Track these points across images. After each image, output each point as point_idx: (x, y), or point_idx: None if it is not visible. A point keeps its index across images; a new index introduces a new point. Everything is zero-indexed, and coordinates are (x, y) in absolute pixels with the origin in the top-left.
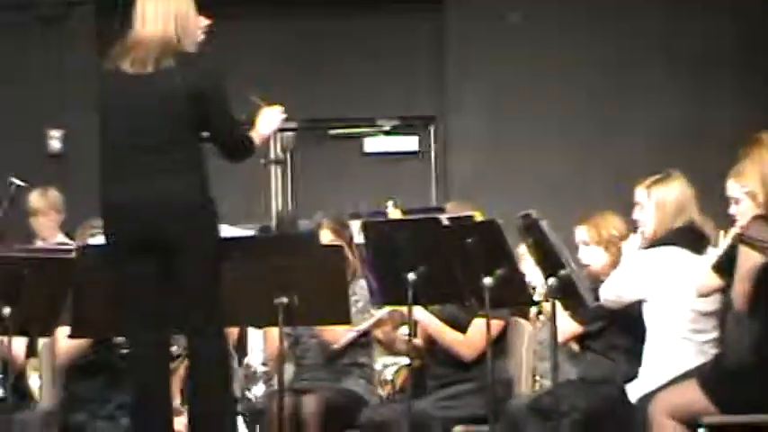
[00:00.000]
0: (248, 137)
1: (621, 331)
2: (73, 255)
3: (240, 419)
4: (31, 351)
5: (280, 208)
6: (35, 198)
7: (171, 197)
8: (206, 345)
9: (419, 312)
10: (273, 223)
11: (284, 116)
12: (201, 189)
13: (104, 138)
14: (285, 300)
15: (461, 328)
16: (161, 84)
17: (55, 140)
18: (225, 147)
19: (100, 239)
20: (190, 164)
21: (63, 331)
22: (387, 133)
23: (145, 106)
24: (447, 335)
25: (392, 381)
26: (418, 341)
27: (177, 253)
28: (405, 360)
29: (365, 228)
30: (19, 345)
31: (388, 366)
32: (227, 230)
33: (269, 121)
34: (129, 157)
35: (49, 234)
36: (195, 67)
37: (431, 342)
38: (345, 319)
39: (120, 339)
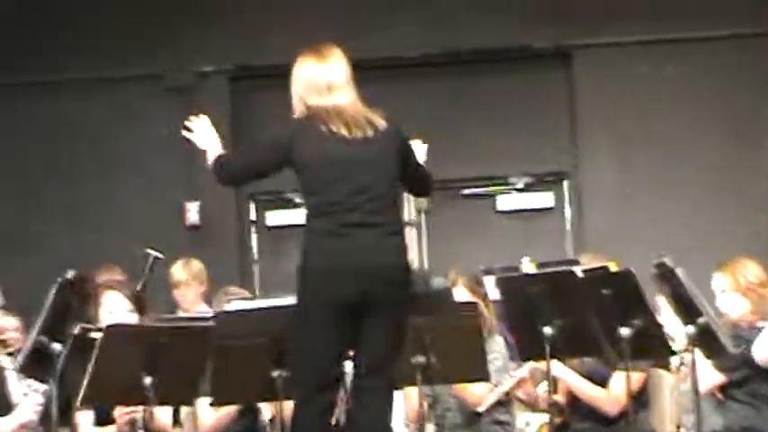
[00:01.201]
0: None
1: (766, 380)
2: (212, 323)
3: None
4: (176, 420)
5: (415, 267)
6: (178, 270)
7: (387, 260)
8: (379, 406)
9: (559, 368)
10: None
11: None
12: (407, 252)
13: (317, 198)
14: (422, 359)
15: (602, 382)
16: (379, 147)
17: (192, 213)
18: (421, 189)
19: (236, 305)
20: (399, 226)
21: (204, 401)
22: (520, 190)
23: (366, 169)
24: (588, 390)
25: None
26: (559, 397)
27: (379, 315)
28: (546, 417)
29: (500, 283)
30: (164, 414)
31: (530, 424)
32: None
33: (418, 153)
34: (342, 220)
35: (192, 305)
36: (396, 127)
37: (572, 397)
38: (484, 376)
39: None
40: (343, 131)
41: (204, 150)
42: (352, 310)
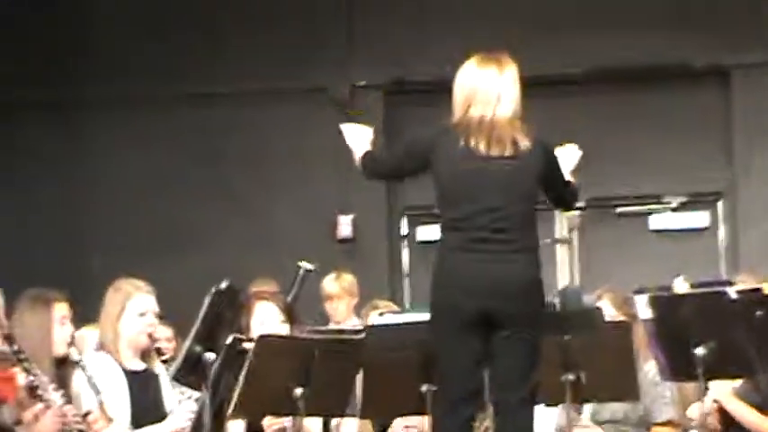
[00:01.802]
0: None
1: None
2: (362, 336)
3: None
4: (326, 430)
5: (565, 284)
6: (330, 283)
7: (514, 275)
8: (519, 422)
9: (718, 391)
10: (557, 300)
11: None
12: (539, 268)
13: (450, 212)
14: (572, 377)
15: (756, 406)
16: (519, 166)
17: (344, 226)
18: (564, 204)
19: (387, 318)
20: (531, 243)
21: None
22: (674, 209)
23: (501, 188)
24: (749, 416)
25: None
26: (713, 420)
27: (509, 330)
28: None
29: (652, 302)
30: (314, 425)
31: None
32: None
33: (571, 159)
34: (475, 235)
35: (343, 318)
36: (543, 146)
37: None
38: (634, 396)
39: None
40: (481, 147)
41: (354, 151)
42: (480, 324)
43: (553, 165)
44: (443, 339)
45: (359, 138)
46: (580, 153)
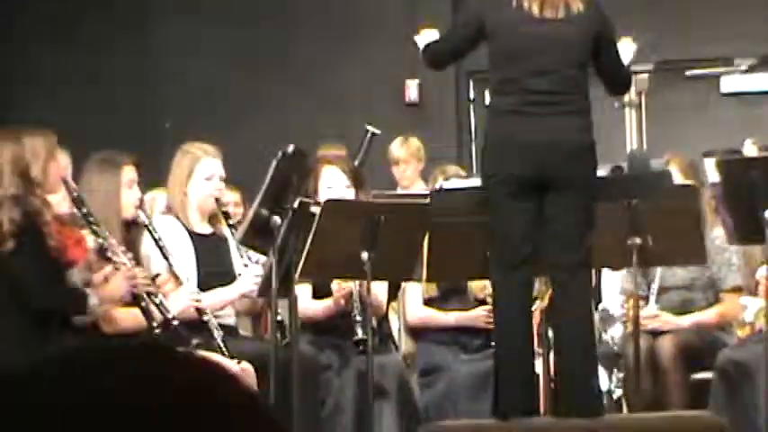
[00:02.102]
0: (629, 71)
1: None
2: (428, 200)
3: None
4: (392, 295)
5: (633, 148)
6: (396, 147)
7: (567, 137)
8: (576, 284)
9: None
10: (625, 164)
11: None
12: (590, 131)
13: (502, 74)
14: (639, 240)
15: None
16: (571, 29)
17: (411, 90)
18: (615, 83)
19: (453, 183)
20: (584, 106)
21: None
22: (744, 72)
23: (554, 50)
24: None
25: (752, 323)
26: None
27: (561, 193)
28: (764, 302)
29: (720, 165)
30: (380, 289)
31: (747, 308)
32: None
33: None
34: (526, 98)
35: (410, 182)
36: (599, 11)
37: None
38: (701, 259)
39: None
40: (534, 9)
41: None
42: (534, 187)
43: (607, 30)
44: (498, 204)
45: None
46: (634, 47)
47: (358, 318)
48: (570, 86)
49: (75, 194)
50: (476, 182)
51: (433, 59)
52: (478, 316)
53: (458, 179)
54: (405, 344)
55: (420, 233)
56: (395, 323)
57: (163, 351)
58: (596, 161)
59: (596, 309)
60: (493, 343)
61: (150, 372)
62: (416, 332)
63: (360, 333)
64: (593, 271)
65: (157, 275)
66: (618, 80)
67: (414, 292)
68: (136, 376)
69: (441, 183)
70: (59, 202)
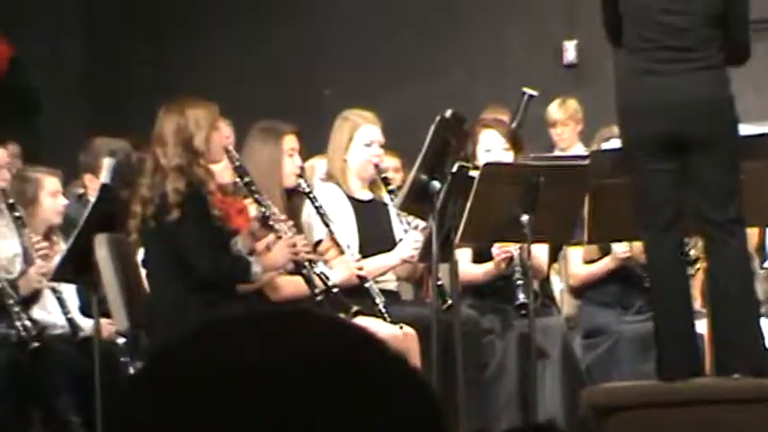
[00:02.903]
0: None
1: None
2: (587, 162)
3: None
4: (553, 257)
5: None
6: (554, 109)
7: (700, 94)
8: (732, 241)
9: None
10: None
11: None
12: (726, 86)
13: (633, 33)
14: None
15: None
16: None
17: (569, 51)
18: (737, 48)
19: (613, 144)
20: (716, 62)
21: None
22: None
23: (685, 6)
24: None
25: None
26: None
27: (702, 150)
28: None
29: None
30: (541, 251)
31: None
32: (743, 128)
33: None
34: (658, 56)
35: (568, 144)
36: None
37: None
38: None
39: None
40: None
41: None
42: (672, 147)
43: None
44: (638, 166)
45: None
46: None
47: (519, 281)
48: (703, 42)
49: (237, 164)
50: None
51: (609, 36)
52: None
53: (618, 139)
54: (567, 306)
55: (580, 195)
56: (556, 285)
57: (317, 318)
58: (735, 116)
59: (762, 267)
60: None
61: (304, 339)
62: (579, 294)
63: (521, 297)
64: (757, 230)
65: (319, 243)
66: (742, 45)
67: (575, 253)
68: (290, 343)
69: (600, 144)
70: (222, 172)
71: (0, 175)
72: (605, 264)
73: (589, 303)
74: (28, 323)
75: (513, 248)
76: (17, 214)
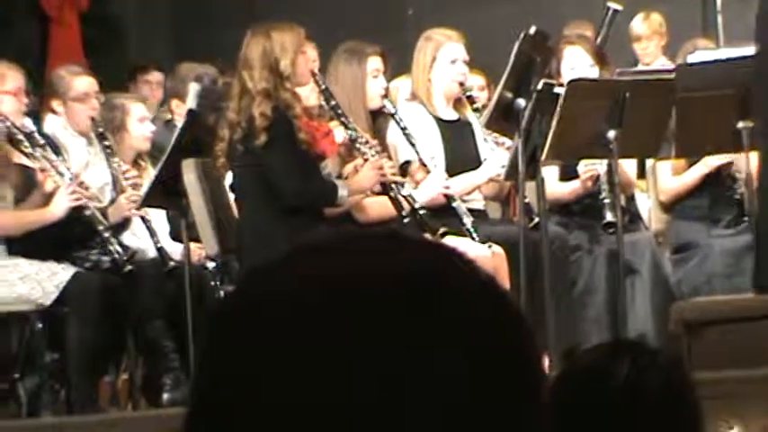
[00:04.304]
0: None
1: None
2: (673, 75)
3: None
4: (640, 173)
5: None
6: (638, 23)
7: None
8: None
9: None
10: None
11: None
12: None
13: None
14: None
15: None
16: None
17: None
18: None
19: (698, 57)
20: None
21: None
22: None
23: None
24: None
25: None
26: None
27: None
28: None
29: None
30: (628, 167)
31: None
32: None
33: None
34: None
35: (652, 59)
36: None
37: None
38: None
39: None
40: None
41: None
42: None
43: None
44: None
45: None
46: None
47: (606, 200)
48: None
49: (323, 87)
50: (722, 54)
51: None
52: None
53: (704, 52)
54: (655, 222)
55: (666, 109)
56: (644, 202)
57: (405, 239)
58: None
59: None
60: (746, 217)
61: (392, 258)
62: (668, 209)
63: (609, 216)
64: None
65: (406, 164)
66: None
67: (664, 167)
68: (379, 262)
69: (686, 57)
70: (308, 96)
71: (89, 103)
72: (696, 170)
73: (678, 218)
74: (119, 249)
75: (600, 165)
76: (106, 143)
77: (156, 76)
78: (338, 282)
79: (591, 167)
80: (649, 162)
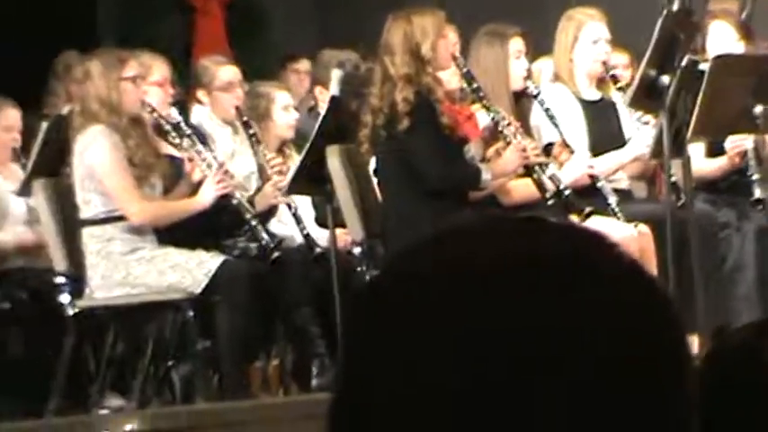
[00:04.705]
0: None
1: None
2: None
3: None
4: None
5: None
6: None
7: None
8: None
9: None
10: None
11: None
12: None
13: None
14: None
15: None
16: None
17: None
18: None
19: None
20: None
21: None
22: None
23: None
24: None
25: None
26: None
27: None
28: None
29: None
30: None
31: None
32: None
33: None
34: None
35: None
36: None
37: None
38: None
39: None
40: None
41: None
42: None
43: None
44: None
45: None
46: None
47: (754, 176)
48: None
49: (464, 70)
50: None
51: None
52: None
53: None
54: None
55: None
56: None
57: (548, 224)
58: None
59: None
60: None
61: (536, 243)
62: None
63: (757, 192)
64: None
65: (550, 145)
66: None
67: None
68: (523, 246)
69: None
70: (450, 80)
71: (233, 92)
72: None
73: None
74: (266, 237)
75: (747, 141)
76: (252, 131)
77: (304, 65)
78: (479, 265)
79: (738, 143)
80: None
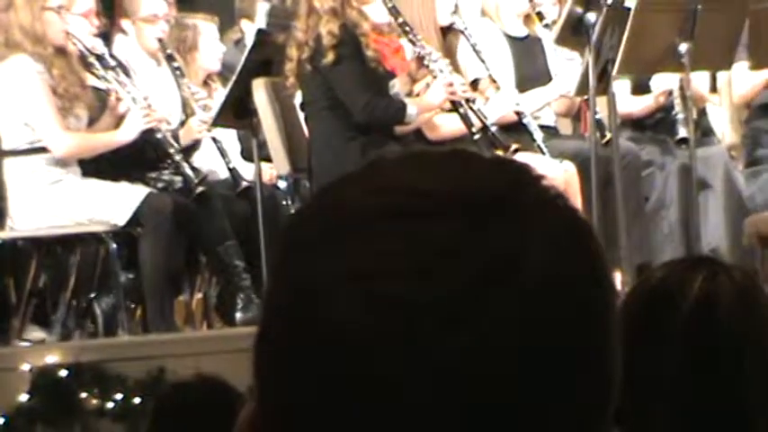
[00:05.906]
0: None
1: None
2: None
3: None
4: (713, 87)
5: None
6: None
7: None
8: None
9: None
10: None
11: None
12: None
13: None
14: None
15: None
16: None
17: None
18: None
19: None
20: None
21: (740, 67)
22: None
23: None
24: None
25: None
26: None
27: None
28: None
29: None
30: (700, 81)
31: None
32: None
33: None
34: None
35: None
36: None
37: None
38: None
39: None
40: None
41: None
42: None
43: None
44: None
45: None
46: None
47: (679, 115)
48: None
49: (390, 4)
50: None
51: None
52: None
53: None
54: (729, 135)
55: (739, 20)
56: (716, 115)
57: (476, 156)
58: None
59: None
60: None
61: (463, 175)
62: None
63: (682, 131)
64: None
65: (476, 81)
66: None
67: (738, 77)
68: (450, 176)
69: None
70: (377, 12)
71: (159, 25)
72: None
73: (751, 131)
74: (190, 173)
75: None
76: (176, 65)
77: None
78: (403, 197)
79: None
80: (721, 75)
